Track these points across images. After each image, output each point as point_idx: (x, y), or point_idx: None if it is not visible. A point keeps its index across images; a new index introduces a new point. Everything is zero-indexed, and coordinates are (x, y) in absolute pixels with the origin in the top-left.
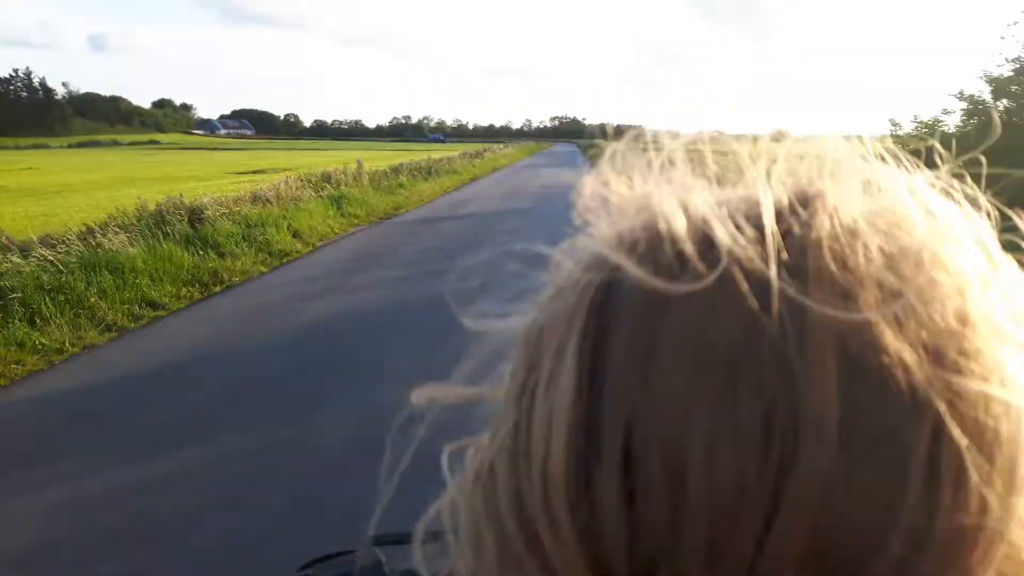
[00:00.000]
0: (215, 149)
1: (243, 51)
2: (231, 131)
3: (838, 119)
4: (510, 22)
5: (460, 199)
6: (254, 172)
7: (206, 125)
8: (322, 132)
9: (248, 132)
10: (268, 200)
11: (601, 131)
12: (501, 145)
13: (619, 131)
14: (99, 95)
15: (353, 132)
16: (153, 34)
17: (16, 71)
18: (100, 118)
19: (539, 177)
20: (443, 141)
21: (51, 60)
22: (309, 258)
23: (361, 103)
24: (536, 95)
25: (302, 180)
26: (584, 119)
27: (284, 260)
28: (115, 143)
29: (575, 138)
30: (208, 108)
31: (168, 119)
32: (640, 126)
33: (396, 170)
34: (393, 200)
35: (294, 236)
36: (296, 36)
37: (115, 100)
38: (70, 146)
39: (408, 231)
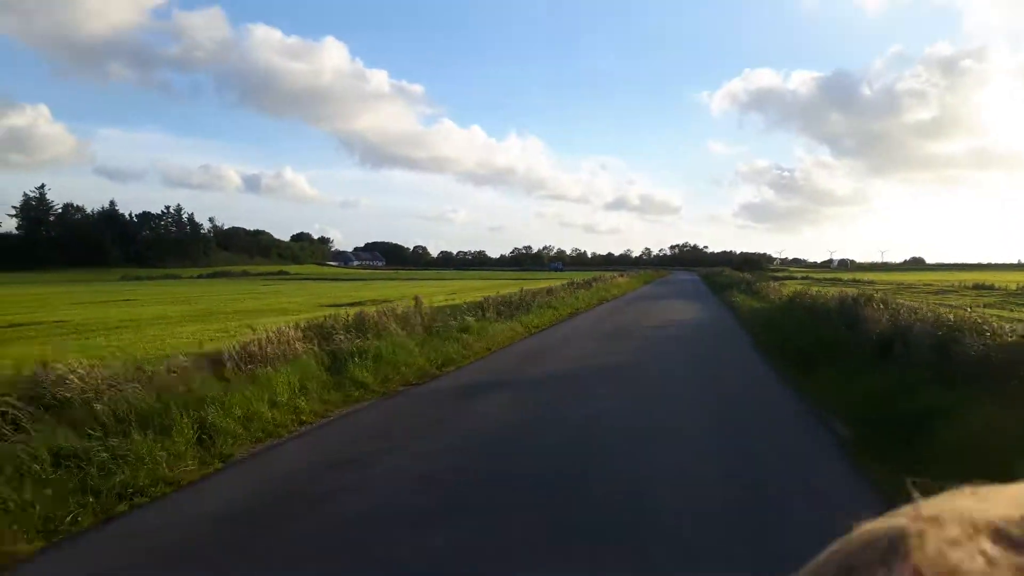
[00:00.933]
0: (335, 280)
1: (381, 190)
2: (363, 262)
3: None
4: (629, 162)
5: (543, 345)
6: (351, 304)
7: (341, 257)
8: (447, 262)
9: (379, 263)
10: (228, 362)
11: (723, 259)
12: (615, 273)
13: (744, 259)
14: (243, 229)
15: (476, 262)
16: (301, 175)
17: (168, 207)
18: (241, 250)
19: (655, 312)
20: (561, 269)
21: (210, 199)
22: (160, 507)
23: (486, 235)
24: (655, 226)
25: (310, 329)
26: (705, 247)
27: (114, 512)
28: (245, 273)
29: (695, 265)
30: (347, 240)
31: (304, 251)
32: (764, 254)
33: (480, 306)
34: (443, 351)
35: (200, 442)
36: (430, 177)
37: (257, 234)
38: (200, 276)
39: (427, 416)
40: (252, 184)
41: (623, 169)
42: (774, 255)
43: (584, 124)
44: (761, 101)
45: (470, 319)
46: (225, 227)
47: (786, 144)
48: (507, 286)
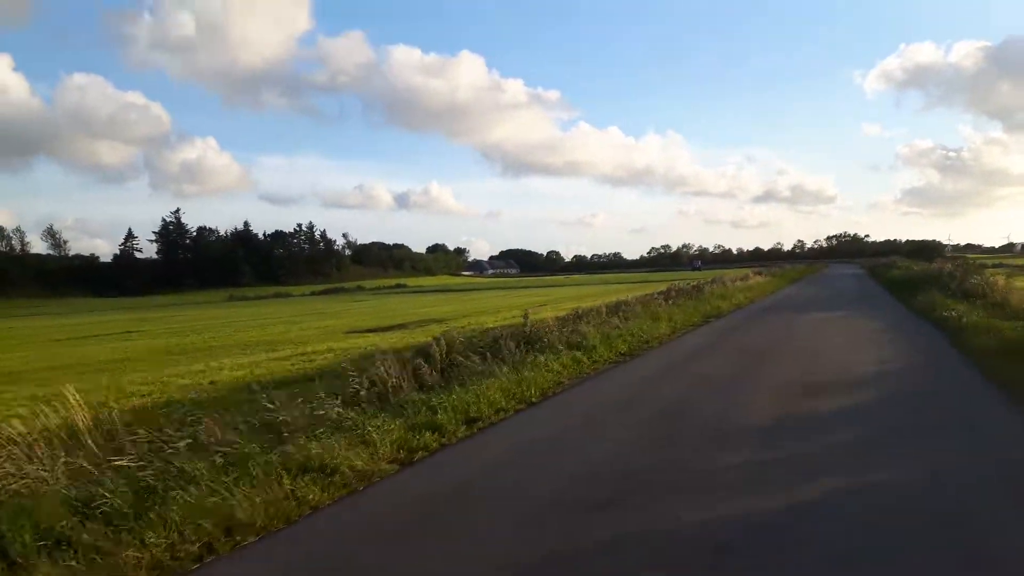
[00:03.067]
0: (439, 291)
1: (522, 198)
2: (497, 271)
3: None
4: (777, 152)
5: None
6: (387, 328)
7: (476, 266)
8: (581, 267)
9: (512, 271)
10: None
11: (887, 248)
12: (750, 272)
13: (916, 247)
14: (381, 243)
15: (610, 265)
16: (447, 189)
17: (300, 225)
18: (375, 264)
19: (786, 352)
20: (700, 268)
21: (365, 218)
22: None
23: (627, 237)
24: (808, 217)
25: None
26: (865, 236)
27: None
28: (359, 288)
29: (855, 257)
30: (494, 250)
31: (438, 263)
32: (934, 241)
33: (425, 351)
34: None
35: None
36: (567, 182)
37: (393, 248)
38: (312, 294)
39: None
40: (402, 201)
41: (771, 159)
42: (944, 242)
43: (726, 116)
44: (920, 78)
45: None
46: (359, 242)
47: (950, 122)
48: (621, 292)
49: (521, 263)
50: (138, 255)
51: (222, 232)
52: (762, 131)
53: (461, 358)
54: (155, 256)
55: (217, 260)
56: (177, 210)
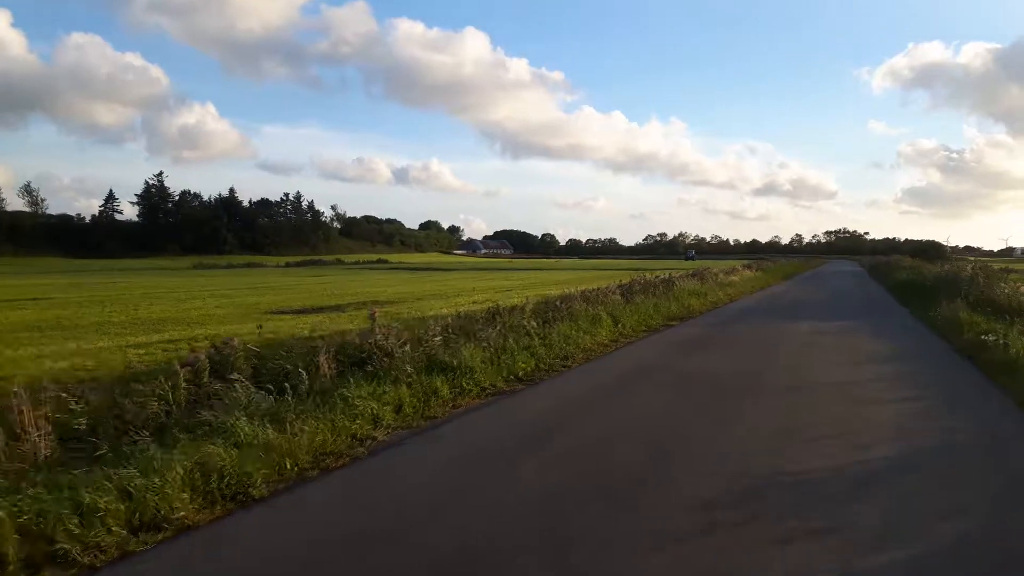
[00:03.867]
0: (415, 269)
1: (522, 179)
2: (491, 251)
3: None
4: (780, 145)
5: None
6: (326, 309)
7: (469, 245)
8: (575, 250)
9: (506, 251)
10: None
11: (885, 247)
12: (739, 265)
13: (916, 247)
14: (372, 217)
15: (605, 250)
16: (446, 166)
17: (287, 195)
18: (363, 238)
19: (755, 387)
20: (694, 258)
21: (364, 191)
22: None
23: (626, 223)
24: (807, 211)
25: None
26: (865, 234)
27: None
28: (338, 262)
29: (852, 254)
30: (483, 229)
31: (430, 240)
32: (933, 241)
33: None
34: None
35: None
36: (568, 164)
37: (383, 222)
38: (288, 265)
39: None
40: (401, 176)
41: (773, 152)
42: (943, 243)
43: (730, 106)
44: (927, 77)
45: None
46: (348, 215)
47: (955, 123)
48: (611, 278)
49: (516, 244)
50: (119, 217)
51: (206, 198)
52: (765, 123)
53: (232, 386)
54: (136, 219)
55: (199, 225)
56: (160, 173)
